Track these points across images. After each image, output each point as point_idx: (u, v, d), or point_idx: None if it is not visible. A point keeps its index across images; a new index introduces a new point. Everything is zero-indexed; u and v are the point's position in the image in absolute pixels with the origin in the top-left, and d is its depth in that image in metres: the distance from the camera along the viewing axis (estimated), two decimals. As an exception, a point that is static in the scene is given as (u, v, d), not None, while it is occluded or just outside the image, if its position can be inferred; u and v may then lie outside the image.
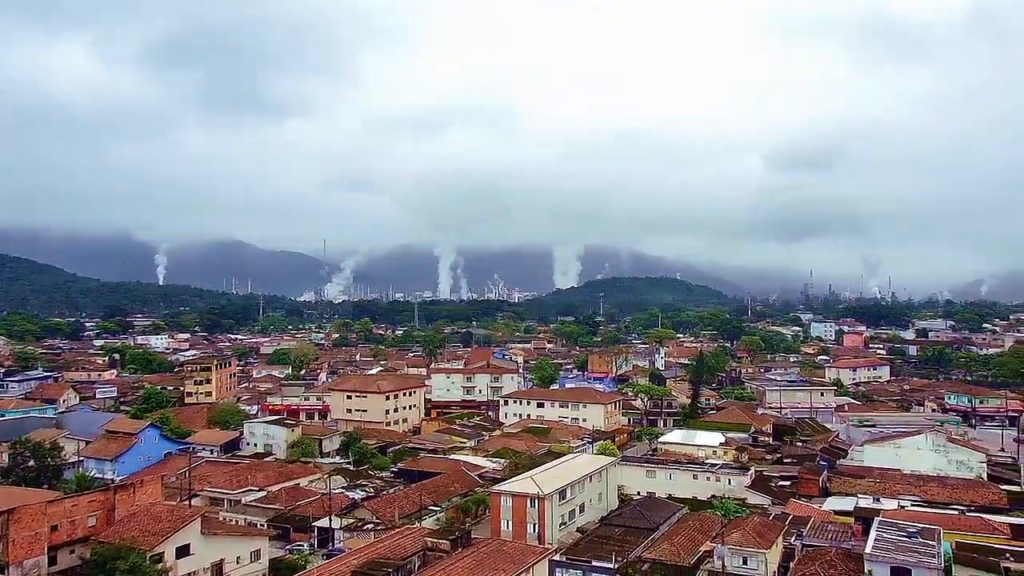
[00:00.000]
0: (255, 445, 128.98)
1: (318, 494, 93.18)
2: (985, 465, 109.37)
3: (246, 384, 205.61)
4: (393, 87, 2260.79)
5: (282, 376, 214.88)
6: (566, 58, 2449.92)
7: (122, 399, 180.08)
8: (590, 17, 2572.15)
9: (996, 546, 76.72)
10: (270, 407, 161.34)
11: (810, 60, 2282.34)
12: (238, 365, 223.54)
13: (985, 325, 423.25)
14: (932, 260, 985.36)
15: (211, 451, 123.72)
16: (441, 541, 61.13)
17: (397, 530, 68.01)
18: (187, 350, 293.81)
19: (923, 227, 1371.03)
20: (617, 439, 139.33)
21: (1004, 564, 72.09)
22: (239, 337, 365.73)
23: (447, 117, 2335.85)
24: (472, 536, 64.89)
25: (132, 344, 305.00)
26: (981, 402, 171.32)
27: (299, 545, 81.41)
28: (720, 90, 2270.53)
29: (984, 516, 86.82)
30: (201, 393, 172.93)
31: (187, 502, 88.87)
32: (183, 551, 66.11)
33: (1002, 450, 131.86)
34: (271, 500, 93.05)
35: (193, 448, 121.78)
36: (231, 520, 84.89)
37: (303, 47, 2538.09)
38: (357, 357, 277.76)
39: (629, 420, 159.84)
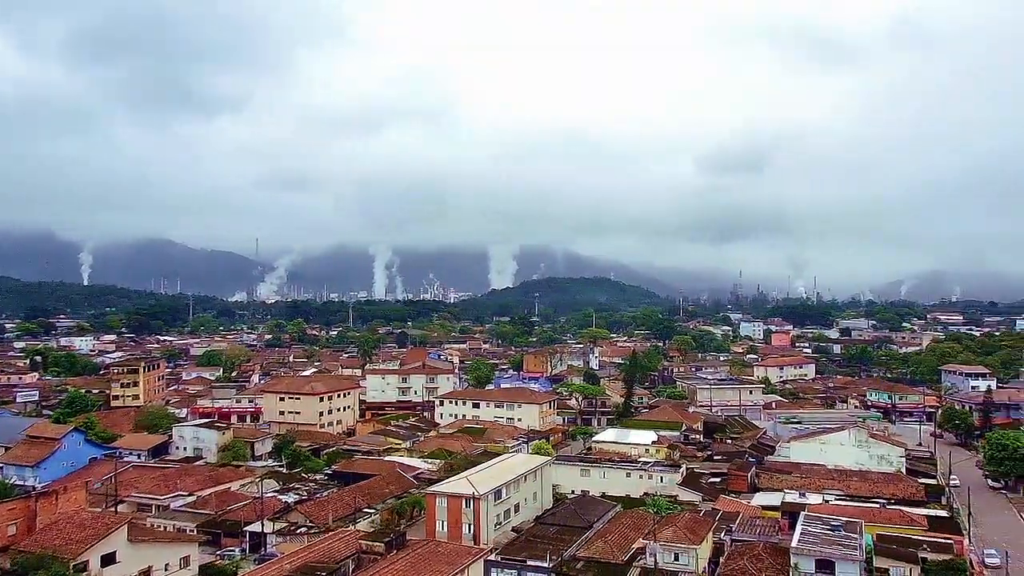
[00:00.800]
0: (184, 449, 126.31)
1: (250, 498, 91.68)
2: (904, 459, 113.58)
3: (175, 387, 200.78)
4: (329, 85, 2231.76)
5: (213, 378, 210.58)
6: (502, 59, 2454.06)
7: (44, 403, 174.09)
8: (525, 19, 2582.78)
9: (914, 537, 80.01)
10: (200, 410, 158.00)
11: (742, 66, 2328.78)
12: (167, 367, 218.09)
13: (904, 324, 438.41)
14: (855, 261, 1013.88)
15: (138, 456, 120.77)
16: (375, 544, 61.02)
17: (331, 533, 67.52)
18: (113, 352, 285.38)
19: (847, 229, 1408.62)
20: (552, 438, 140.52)
21: (922, 554, 75.29)
22: (168, 339, 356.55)
23: (383, 116, 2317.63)
24: (407, 538, 64.85)
25: (55, 346, 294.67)
26: (900, 399, 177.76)
27: (230, 550, 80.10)
28: (653, 93, 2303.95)
29: (903, 509, 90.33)
30: (128, 396, 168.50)
31: (113, 509, 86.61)
32: (108, 559, 64.43)
33: (920, 444, 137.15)
34: (201, 505, 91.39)
35: (119, 453, 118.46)
36: (159, 526, 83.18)
37: (236, 42, 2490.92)
38: (290, 358, 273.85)
39: (564, 419, 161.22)
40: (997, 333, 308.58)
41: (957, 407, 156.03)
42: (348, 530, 69.41)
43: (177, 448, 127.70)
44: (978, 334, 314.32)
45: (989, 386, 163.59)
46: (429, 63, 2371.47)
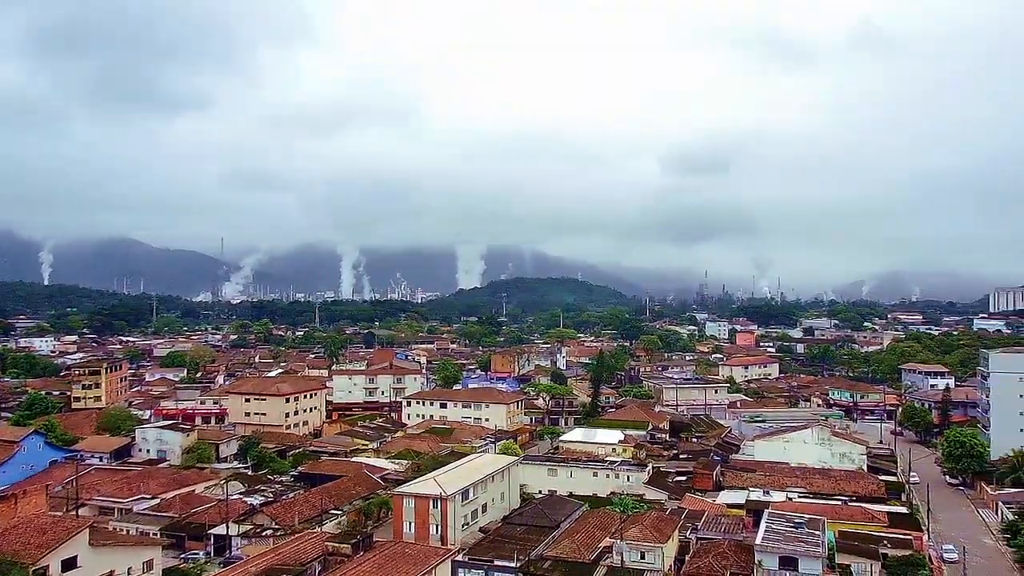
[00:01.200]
0: (148, 451, 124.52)
1: (214, 500, 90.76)
2: (865, 457, 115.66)
3: (138, 388, 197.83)
4: (295, 84, 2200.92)
5: (177, 379, 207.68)
6: (469, 59, 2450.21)
7: (3, 405, 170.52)
8: (491, 19, 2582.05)
9: (875, 534, 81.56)
10: (164, 412, 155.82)
11: (707, 67, 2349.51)
12: (130, 368, 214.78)
13: (866, 324, 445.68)
14: (818, 261, 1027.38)
15: (100, 458, 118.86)
16: (342, 545, 60.88)
17: (297, 535, 67.11)
18: (74, 353, 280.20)
19: (810, 229, 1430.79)
20: (519, 438, 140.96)
21: (882, 550, 76.79)
22: (131, 339, 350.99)
23: (350, 115, 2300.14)
24: (374, 539, 64.70)
25: (14, 347, 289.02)
26: (862, 397, 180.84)
27: (195, 554, 79.24)
28: (619, 94, 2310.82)
29: (864, 505, 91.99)
30: (90, 398, 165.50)
31: (74, 512, 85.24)
32: (69, 564, 63.33)
33: (881, 442, 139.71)
34: (165, 508, 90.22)
35: (81, 456, 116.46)
36: (122, 530, 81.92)
37: (201, 40, 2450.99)
38: (256, 359, 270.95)
39: (531, 419, 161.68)
40: (955, 333, 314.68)
41: (916, 405, 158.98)
42: (314, 532, 69.05)
43: (140, 450, 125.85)
44: (937, 333, 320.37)
45: (948, 384, 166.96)
46: (396, 62, 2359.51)
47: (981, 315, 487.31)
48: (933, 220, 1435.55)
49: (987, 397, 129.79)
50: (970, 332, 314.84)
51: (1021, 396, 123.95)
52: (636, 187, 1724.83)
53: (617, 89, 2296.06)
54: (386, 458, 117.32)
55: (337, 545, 60.76)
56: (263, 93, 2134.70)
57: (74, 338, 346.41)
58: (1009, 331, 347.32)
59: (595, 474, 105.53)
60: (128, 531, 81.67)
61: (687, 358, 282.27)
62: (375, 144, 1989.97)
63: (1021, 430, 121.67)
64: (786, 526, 74.76)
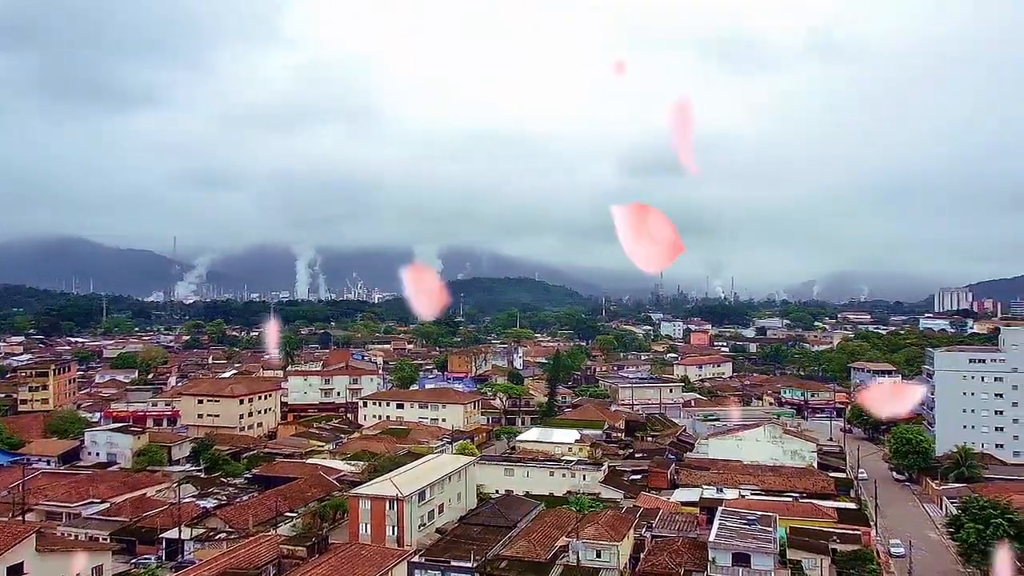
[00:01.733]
0: (98, 455, 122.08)
1: (166, 504, 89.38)
2: (816, 454, 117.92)
3: (87, 390, 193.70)
4: (249, 80, 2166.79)
5: (128, 381, 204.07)
6: (426, 59, 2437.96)
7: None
8: (446, 21, 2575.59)
9: (825, 529, 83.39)
10: (114, 414, 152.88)
11: (663, 69, 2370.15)
12: (79, 370, 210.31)
13: (816, 324, 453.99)
14: (771, 262, 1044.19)
15: (48, 462, 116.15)
16: (297, 548, 60.49)
17: (251, 538, 66.45)
18: (21, 354, 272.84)
19: (763, 230, 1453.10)
20: (476, 438, 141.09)
21: (832, 546, 78.60)
22: (80, 340, 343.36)
23: (306, 113, 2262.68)
24: (330, 541, 64.39)
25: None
26: (812, 395, 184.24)
27: (146, 559, 77.91)
28: (578, 95, 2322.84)
29: (814, 502, 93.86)
30: (37, 400, 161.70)
31: (20, 518, 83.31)
32: (15, 571, 62.00)
33: (831, 439, 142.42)
34: (115, 512, 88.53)
35: (28, 460, 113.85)
36: (70, 535, 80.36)
37: (153, 35, 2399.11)
38: (209, 360, 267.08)
39: (488, 419, 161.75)
40: (902, 332, 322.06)
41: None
42: (269, 535, 68.44)
43: (90, 454, 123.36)
44: (884, 333, 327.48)
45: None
46: (352, 60, 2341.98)
47: (927, 314, 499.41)
48: (882, 222, 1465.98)
49: (932, 395, 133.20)
50: (916, 331, 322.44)
51: (964, 394, 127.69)
52: (593, 188, 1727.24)
53: (576, 90, 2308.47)
54: (342, 459, 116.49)
55: (292, 548, 60.32)
56: (217, 90, 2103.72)
57: (20, 339, 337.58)
58: (953, 330, 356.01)
59: (551, 473, 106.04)
60: (77, 536, 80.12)
61: (642, 357, 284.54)
62: (331, 142, 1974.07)
63: (964, 427, 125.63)
64: (739, 523, 76.02)
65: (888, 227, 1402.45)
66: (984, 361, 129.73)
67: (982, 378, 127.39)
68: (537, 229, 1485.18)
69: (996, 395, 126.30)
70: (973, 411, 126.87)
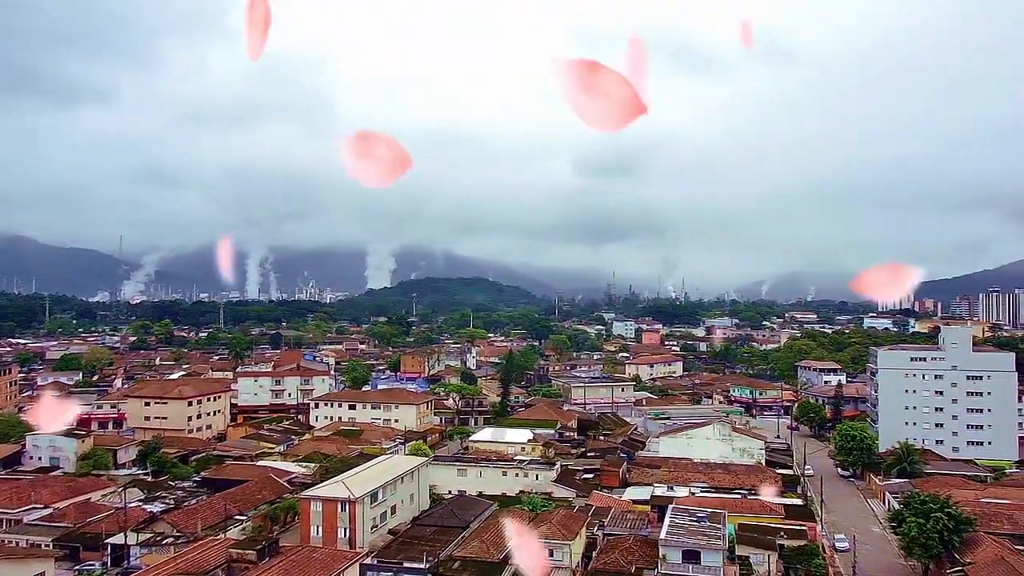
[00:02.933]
0: (40, 459, 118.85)
1: (112, 509, 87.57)
2: (764, 451, 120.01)
3: (29, 393, 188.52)
4: (198, 76, 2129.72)
5: (72, 383, 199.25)
6: (374, 56, 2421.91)
7: None
8: (401, 17, 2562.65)
9: (773, 525, 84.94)
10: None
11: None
12: (19, 372, 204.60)
13: (765, 323, 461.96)
14: (722, 262, 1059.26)
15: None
16: (247, 552, 59.65)
17: (199, 543, 65.48)
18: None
19: (714, 231, 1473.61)
20: (429, 439, 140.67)
21: (779, 541, 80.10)
22: (21, 341, 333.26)
23: (257, 111, 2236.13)
24: (280, 544, 63.74)
25: None
26: (761, 394, 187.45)
27: (90, 565, 76.29)
28: (526, 95, 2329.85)
29: (762, 498, 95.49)
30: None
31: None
32: (-47, 579, 60.46)
33: (778, 437, 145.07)
34: (58, 518, 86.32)
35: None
36: (11, 542, 78.26)
37: (99, 29, 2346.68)
38: (157, 361, 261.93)
39: (441, 420, 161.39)
40: (847, 331, 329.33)
41: (811, 401, 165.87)
42: (218, 538, 67.44)
43: (31, 458, 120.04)
44: (830, 331, 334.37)
45: (839, 381, 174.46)
46: (303, 58, 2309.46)
47: (871, 314, 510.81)
48: (829, 223, 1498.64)
49: (875, 392, 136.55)
50: (861, 330, 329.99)
51: (906, 391, 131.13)
52: (548, 188, 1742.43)
53: (526, 90, 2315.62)
54: (293, 461, 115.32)
55: (241, 551, 59.46)
56: (166, 86, 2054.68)
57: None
58: (896, 329, 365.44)
59: (504, 473, 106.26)
60: (18, 543, 78.03)
61: (595, 357, 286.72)
62: (282, 140, 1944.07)
63: (906, 423, 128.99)
64: (689, 520, 77.08)
65: (835, 228, 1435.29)
66: (925, 360, 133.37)
67: (923, 376, 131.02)
68: (493, 229, 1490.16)
69: (936, 392, 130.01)
70: (915, 408, 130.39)
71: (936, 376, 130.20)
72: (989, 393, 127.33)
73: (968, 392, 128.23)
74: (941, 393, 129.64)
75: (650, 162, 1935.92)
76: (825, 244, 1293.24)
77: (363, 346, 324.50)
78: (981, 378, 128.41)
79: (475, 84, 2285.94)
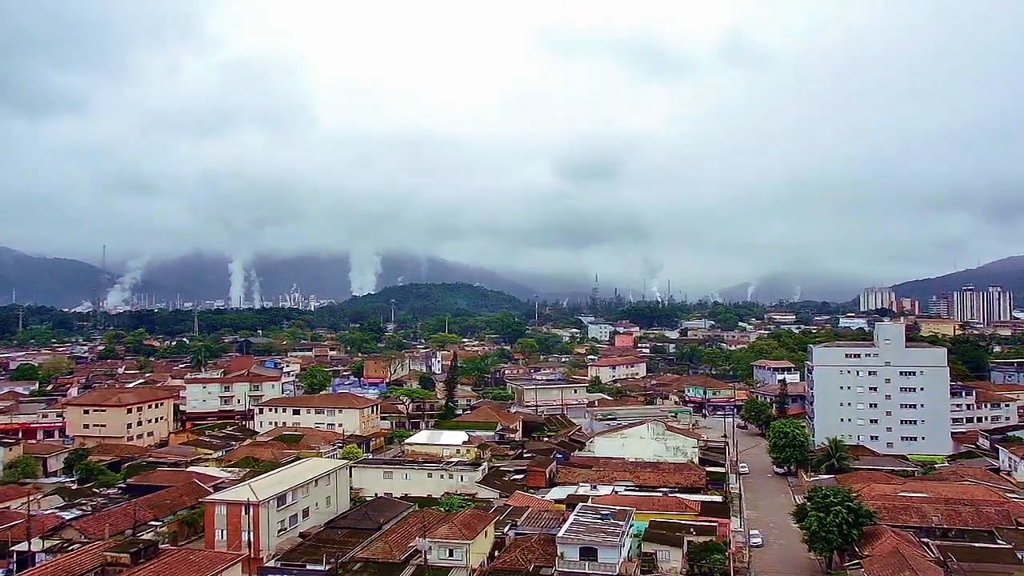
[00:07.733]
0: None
1: (24, 516, 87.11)
2: (698, 450, 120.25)
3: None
4: (175, 83, 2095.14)
5: (27, 393, 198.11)
6: (360, 61, 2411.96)
7: None
8: (381, 21, 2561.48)
9: (685, 522, 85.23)
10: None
11: (588, 74, 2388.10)
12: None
13: (741, 324, 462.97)
14: (708, 264, 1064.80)
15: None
16: (121, 555, 59.44)
17: (77, 549, 65.30)
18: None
19: (698, 233, 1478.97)
20: (374, 442, 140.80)
21: (688, 538, 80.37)
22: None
23: (237, 118, 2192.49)
24: (160, 548, 63.57)
25: None
26: (714, 393, 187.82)
27: (-6, 571, 75.93)
28: (503, 99, 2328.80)
29: (681, 496, 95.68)
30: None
31: None
32: None
33: (724, 435, 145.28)
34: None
35: None
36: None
37: (72, 38, 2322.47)
38: (121, 370, 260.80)
39: (393, 423, 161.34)
40: (813, 331, 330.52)
41: (759, 400, 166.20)
42: (95, 543, 67.21)
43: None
44: (797, 332, 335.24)
45: (783, 379, 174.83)
46: (276, 63, 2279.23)
47: (849, 314, 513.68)
48: (808, 224, 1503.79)
49: (812, 389, 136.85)
50: (829, 330, 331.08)
51: (841, 387, 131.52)
52: (531, 192, 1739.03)
53: (503, 95, 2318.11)
54: (226, 467, 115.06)
55: (116, 555, 59.27)
56: (142, 94, 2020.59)
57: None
58: (870, 328, 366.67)
59: (430, 475, 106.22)
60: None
61: (563, 359, 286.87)
62: (260, 145, 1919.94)
63: (842, 420, 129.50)
64: (592, 518, 77.23)
65: (815, 229, 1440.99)
66: (859, 356, 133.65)
67: (857, 372, 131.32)
68: (477, 234, 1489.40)
69: (871, 389, 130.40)
70: (850, 404, 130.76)
71: (870, 372, 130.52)
72: (922, 389, 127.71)
73: (901, 388, 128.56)
74: (875, 389, 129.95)
75: (627, 164, 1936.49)
76: (806, 245, 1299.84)
77: (333, 352, 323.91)
78: (914, 374, 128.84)
79: (450, 88, 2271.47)
